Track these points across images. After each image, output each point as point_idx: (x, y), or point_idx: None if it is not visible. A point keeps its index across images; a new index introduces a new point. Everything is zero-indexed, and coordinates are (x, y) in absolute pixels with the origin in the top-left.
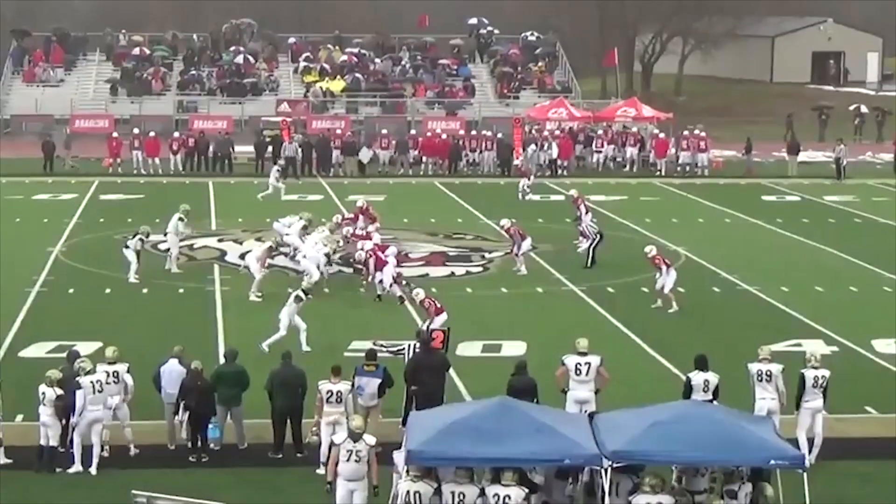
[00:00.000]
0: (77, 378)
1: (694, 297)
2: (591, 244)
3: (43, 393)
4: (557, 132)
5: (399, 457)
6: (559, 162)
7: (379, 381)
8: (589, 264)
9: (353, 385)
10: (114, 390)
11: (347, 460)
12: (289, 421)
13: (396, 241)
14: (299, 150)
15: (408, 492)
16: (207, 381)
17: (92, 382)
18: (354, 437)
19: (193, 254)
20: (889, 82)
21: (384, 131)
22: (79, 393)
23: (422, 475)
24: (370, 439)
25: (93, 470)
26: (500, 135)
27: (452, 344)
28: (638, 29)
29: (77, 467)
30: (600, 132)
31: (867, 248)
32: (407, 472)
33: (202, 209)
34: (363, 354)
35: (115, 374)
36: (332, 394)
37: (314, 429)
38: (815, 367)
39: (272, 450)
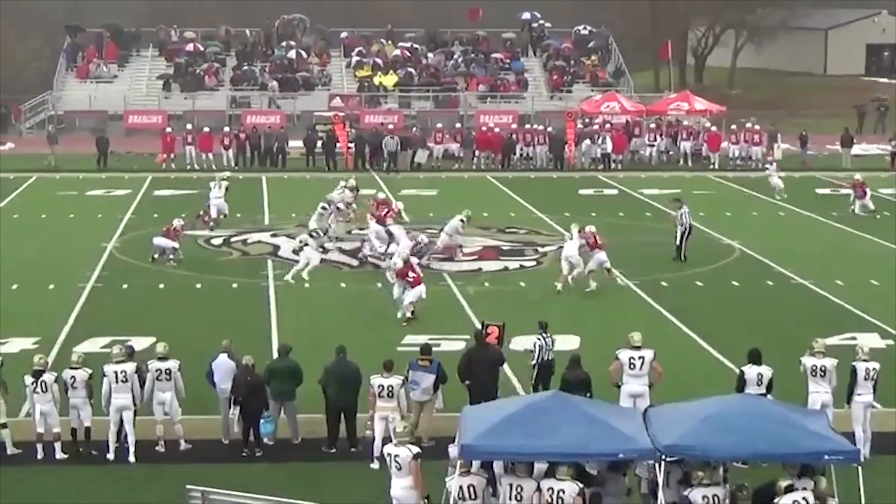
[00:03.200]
0: (103, 366)
1: (748, 291)
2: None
3: (72, 377)
4: (608, 126)
5: (454, 451)
6: (613, 156)
7: (433, 376)
8: (682, 257)
9: (406, 379)
10: (166, 386)
11: (391, 466)
12: (343, 416)
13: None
14: (399, 144)
15: (461, 487)
16: (258, 376)
17: (115, 372)
18: (398, 442)
19: (247, 248)
20: None
21: (439, 125)
22: (104, 381)
23: (470, 468)
24: (413, 448)
25: (131, 458)
26: (550, 129)
27: (507, 339)
28: (690, 22)
29: (111, 455)
30: (653, 125)
31: None
32: (461, 465)
33: (255, 204)
34: (417, 349)
35: (168, 371)
36: (383, 388)
37: (368, 423)
38: (866, 360)
39: (326, 444)
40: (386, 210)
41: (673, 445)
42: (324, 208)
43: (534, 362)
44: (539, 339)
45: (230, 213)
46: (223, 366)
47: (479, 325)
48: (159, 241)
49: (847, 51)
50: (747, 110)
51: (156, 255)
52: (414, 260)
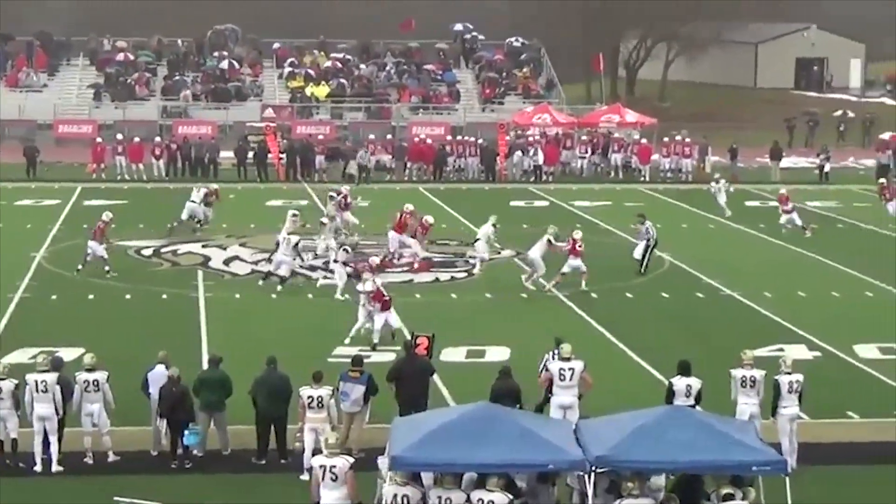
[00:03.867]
0: (25, 376)
1: (677, 303)
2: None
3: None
4: (538, 137)
5: (383, 462)
6: (544, 168)
7: (363, 387)
8: (643, 270)
9: (336, 390)
10: (94, 398)
11: (323, 478)
12: (273, 427)
13: (381, 247)
14: (371, 158)
15: (395, 496)
16: (183, 387)
17: (36, 381)
18: (330, 454)
19: (177, 259)
20: (872, 88)
21: (371, 136)
22: (26, 391)
23: (409, 480)
24: (349, 459)
25: (54, 468)
26: (482, 140)
27: (435, 350)
28: (622, 35)
29: (38, 466)
30: (584, 138)
31: (849, 253)
32: (392, 477)
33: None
34: (348, 361)
35: (96, 381)
36: (312, 399)
37: (298, 434)
38: (788, 373)
39: (256, 456)
40: (422, 226)
41: (603, 457)
42: (294, 216)
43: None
44: (550, 353)
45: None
46: (159, 377)
47: (409, 337)
48: (93, 245)
49: (777, 65)
50: (678, 123)
51: (88, 258)
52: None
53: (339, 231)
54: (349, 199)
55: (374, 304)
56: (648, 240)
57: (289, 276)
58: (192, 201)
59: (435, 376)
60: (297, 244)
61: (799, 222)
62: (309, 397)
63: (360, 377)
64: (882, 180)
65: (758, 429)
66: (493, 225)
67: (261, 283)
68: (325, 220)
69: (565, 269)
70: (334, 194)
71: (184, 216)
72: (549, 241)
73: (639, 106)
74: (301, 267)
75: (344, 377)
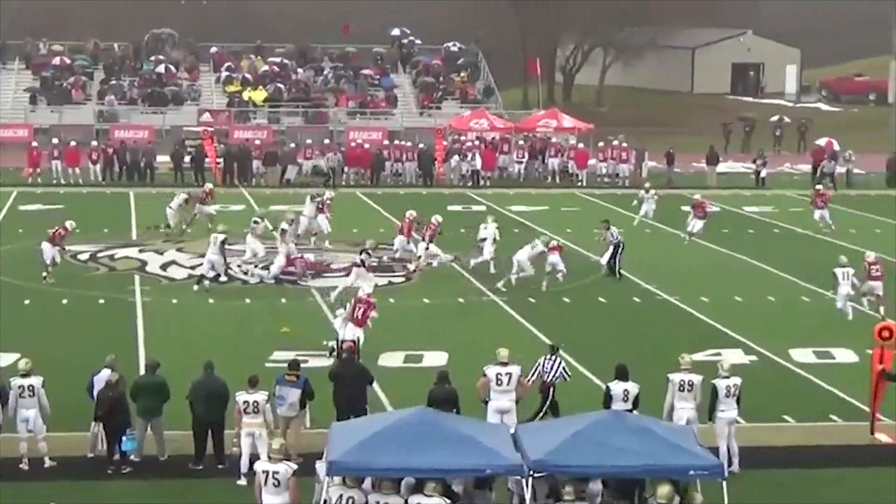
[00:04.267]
0: None
1: (615, 307)
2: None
3: None
4: (475, 142)
5: (321, 467)
6: (481, 173)
7: (300, 391)
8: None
9: (272, 395)
10: (29, 403)
11: (265, 483)
12: (210, 432)
13: (320, 251)
14: (340, 161)
15: (341, 496)
16: (120, 392)
17: None
18: (273, 459)
19: (114, 264)
20: (807, 94)
21: (308, 141)
22: None
23: (354, 484)
24: (292, 465)
25: None
26: (421, 145)
27: (373, 355)
28: (559, 40)
29: None
30: (521, 143)
31: (785, 258)
32: (343, 481)
33: (123, 220)
34: (286, 365)
35: (31, 387)
36: (248, 404)
37: (235, 440)
38: (726, 377)
39: (193, 461)
40: (430, 226)
41: (541, 461)
42: (283, 231)
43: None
44: (544, 358)
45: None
46: (103, 380)
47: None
48: (46, 246)
49: (713, 70)
50: (615, 128)
51: (49, 267)
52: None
53: (308, 234)
54: (325, 203)
55: (358, 308)
56: (616, 245)
57: (221, 274)
58: (169, 207)
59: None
60: (223, 241)
61: (696, 229)
62: (244, 402)
63: (296, 381)
64: (819, 187)
65: (696, 433)
66: (497, 226)
67: (195, 288)
68: (285, 225)
69: (548, 267)
70: (315, 195)
71: (170, 222)
72: (540, 251)
73: (576, 111)
74: (229, 268)
75: (280, 381)
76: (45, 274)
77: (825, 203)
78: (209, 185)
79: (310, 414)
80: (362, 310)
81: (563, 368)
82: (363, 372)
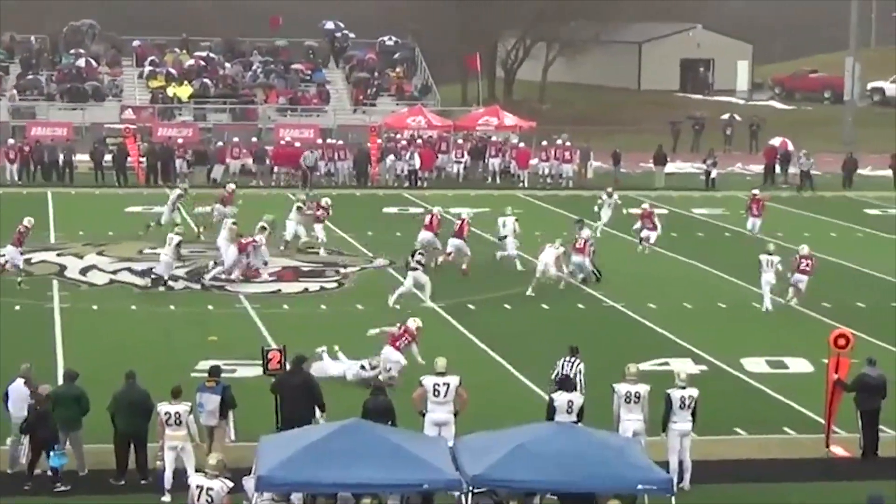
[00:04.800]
0: None
1: (558, 314)
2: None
3: None
4: (412, 140)
5: (249, 483)
6: (419, 173)
7: (219, 398)
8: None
9: (194, 403)
10: None
11: (198, 499)
12: (132, 445)
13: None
14: (318, 160)
15: None
16: (48, 405)
17: None
18: (209, 475)
19: (31, 269)
20: (759, 91)
21: (235, 139)
22: None
23: (283, 499)
24: (228, 483)
25: None
26: (363, 144)
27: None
28: (500, 34)
29: None
30: (460, 141)
31: (737, 263)
32: (273, 497)
33: (40, 222)
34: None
35: None
36: (170, 416)
37: (158, 453)
38: (682, 387)
39: (114, 476)
40: (461, 223)
41: (480, 476)
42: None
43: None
44: (562, 360)
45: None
46: (18, 392)
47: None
48: (10, 250)
49: (661, 66)
50: (559, 126)
51: (8, 265)
52: None
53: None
54: (326, 210)
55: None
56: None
57: (166, 276)
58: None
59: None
60: (178, 244)
61: (651, 241)
62: (167, 413)
63: (215, 387)
64: (755, 191)
65: (643, 446)
66: (515, 219)
67: (161, 289)
68: (265, 223)
69: (572, 266)
70: (303, 204)
71: (163, 220)
72: (561, 254)
73: (517, 108)
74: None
75: (200, 387)
76: (20, 280)
77: (760, 211)
78: (231, 186)
79: (234, 428)
80: (407, 341)
81: (580, 373)
82: (311, 383)
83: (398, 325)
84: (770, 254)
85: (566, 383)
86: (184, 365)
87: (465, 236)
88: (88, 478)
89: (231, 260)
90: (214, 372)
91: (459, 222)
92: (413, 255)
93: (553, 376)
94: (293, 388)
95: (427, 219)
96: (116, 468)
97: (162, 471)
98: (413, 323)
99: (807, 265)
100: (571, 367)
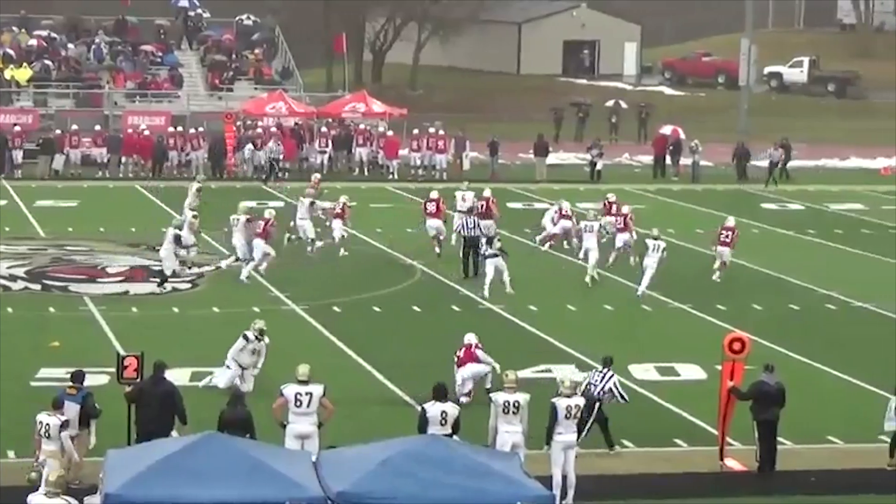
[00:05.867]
0: None
1: (431, 317)
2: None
3: None
4: (274, 129)
5: (94, 501)
6: (281, 163)
7: (78, 406)
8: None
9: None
10: None
11: None
12: None
13: (92, 253)
14: (279, 150)
15: None
16: None
17: None
18: (50, 494)
19: None
20: (649, 76)
21: (74, 127)
22: None
23: None
24: (70, 500)
25: None
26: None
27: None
28: (368, 13)
29: None
30: (324, 129)
31: (625, 262)
32: None
33: None
34: (53, 384)
35: None
36: (42, 425)
37: (35, 465)
38: (568, 396)
39: None
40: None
41: (345, 492)
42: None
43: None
44: (596, 371)
45: None
46: None
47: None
48: None
49: (543, 48)
50: (431, 114)
51: None
52: None
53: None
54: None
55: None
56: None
57: (170, 272)
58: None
59: None
60: (177, 238)
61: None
62: (39, 423)
63: (75, 395)
64: (610, 195)
65: (522, 460)
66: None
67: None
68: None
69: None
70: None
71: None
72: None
73: (387, 94)
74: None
75: (61, 395)
76: None
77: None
78: (317, 176)
79: (94, 436)
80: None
81: (616, 387)
82: (174, 393)
83: None
84: (655, 238)
85: (439, 392)
86: (21, 374)
87: (494, 215)
88: None
89: (260, 252)
90: (77, 378)
91: (483, 202)
92: (490, 243)
93: (581, 390)
94: (152, 397)
95: (433, 206)
96: None
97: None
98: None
99: (727, 237)
100: (603, 379)
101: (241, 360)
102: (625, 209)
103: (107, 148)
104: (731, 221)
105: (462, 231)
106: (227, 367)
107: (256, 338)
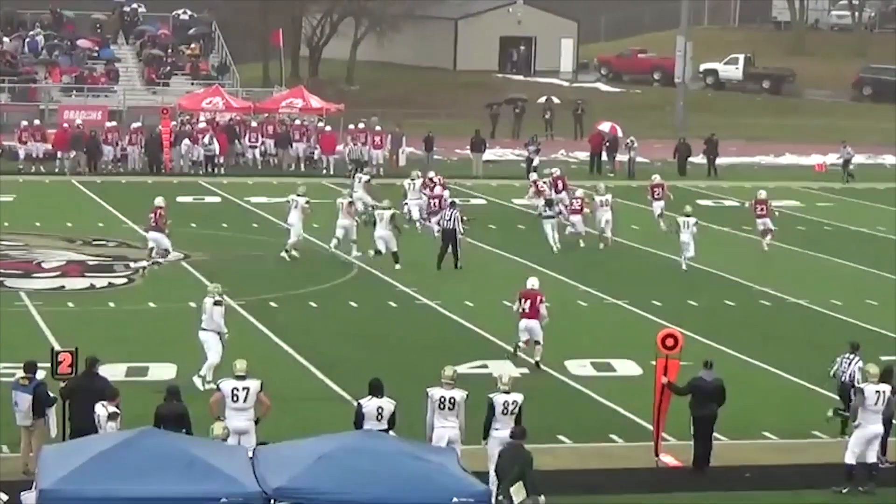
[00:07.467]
0: None
1: (368, 313)
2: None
3: None
4: (209, 124)
5: (29, 498)
6: (217, 159)
7: (30, 396)
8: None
9: (11, 403)
10: None
11: None
12: None
13: (28, 247)
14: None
15: None
16: None
17: None
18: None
19: None
20: (585, 72)
21: (24, 123)
22: None
23: None
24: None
25: None
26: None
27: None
28: (305, 8)
29: None
30: (255, 124)
31: (560, 257)
32: None
33: None
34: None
35: None
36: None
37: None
38: (506, 391)
39: None
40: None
41: (282, 488)
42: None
43: (841, 378)
44: (845, 357)
45: None
46: None
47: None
48: None
49: (479, 44)
50: (368, 109)
51: None
52: None
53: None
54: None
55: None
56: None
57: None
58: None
59: None
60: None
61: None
62: None
63: (27, 385)
64: (554, 170)
65: (458, 455)
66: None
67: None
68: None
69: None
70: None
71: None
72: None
73: (323, 89)
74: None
75: (14, 385)
76: None
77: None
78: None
79: (54, 427)
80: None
81: (857, 371)
82: (108, 389)
83: None
84: (687, 215)
85: (375, 387)
86: None
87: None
88: None
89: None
90: (29, 368)
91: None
92: (550, 206)
93: (832, 373)
94: (86, 392)
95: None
96: None
97: None
98: None
99: (762, 210)
100: (850, 363)
101: (222, 325)
102: (579, 192)
103: (45, 142)
104: (762, 194)
105: (441, 223)
106: (220, 339)
107: (221, 296)
